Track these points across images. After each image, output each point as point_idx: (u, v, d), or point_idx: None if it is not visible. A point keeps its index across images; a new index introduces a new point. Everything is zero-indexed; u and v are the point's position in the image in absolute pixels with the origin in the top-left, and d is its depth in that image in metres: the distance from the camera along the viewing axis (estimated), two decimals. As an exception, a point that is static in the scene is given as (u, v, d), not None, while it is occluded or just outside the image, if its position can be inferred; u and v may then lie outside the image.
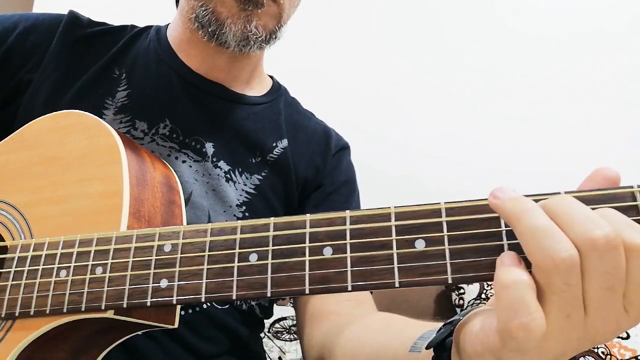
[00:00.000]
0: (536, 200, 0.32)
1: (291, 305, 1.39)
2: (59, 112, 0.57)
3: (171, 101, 0.70)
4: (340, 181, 0.78)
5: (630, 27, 1.73)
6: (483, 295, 1.44)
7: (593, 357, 1.34)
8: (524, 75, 1.74)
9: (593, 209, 0.31)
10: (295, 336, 1.41)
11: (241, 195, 0.69)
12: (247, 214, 0.68)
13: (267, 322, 1.17)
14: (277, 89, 0.81)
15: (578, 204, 0.30)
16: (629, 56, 1.71)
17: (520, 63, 1.74)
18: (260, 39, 0.65)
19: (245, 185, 0.69)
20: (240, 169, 0.70)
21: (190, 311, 0.63)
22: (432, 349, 0.38)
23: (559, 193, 0.32)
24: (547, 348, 0.30)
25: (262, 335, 0.77)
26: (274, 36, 0.68)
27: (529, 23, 1.77)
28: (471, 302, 1.36)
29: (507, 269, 0.30)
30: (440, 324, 0.40)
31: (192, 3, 0.66)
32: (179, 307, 0.50)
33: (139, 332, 0.49)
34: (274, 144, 0.74)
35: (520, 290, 0.29)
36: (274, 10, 0.65)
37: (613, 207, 0.31)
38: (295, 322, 1.04)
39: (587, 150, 1.62)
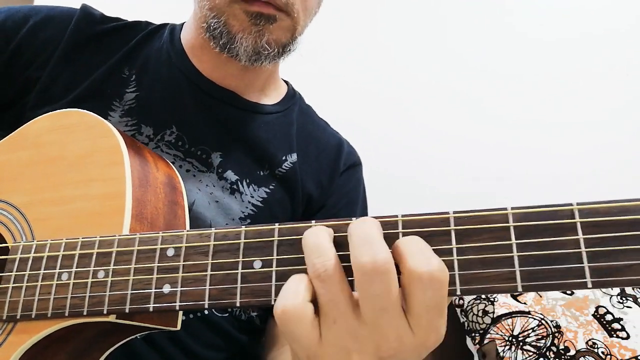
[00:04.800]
0: (483, 215, 0.34)
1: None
2: (60, 110, 0.56)
3: (179, 108, 0.67)
4: (343, 203, 0.76)
5: (631, 28, 1.72)
6: (483, 295, 1.43)
7: (593, 357, 1.33)
8: (532, 77, 1.72)
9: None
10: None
11: (247, 207, 0.67)
12: None
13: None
14: (292, 97, 0.79)
15: (362, 229, 0.33)
16: (630, 57, 1.70)
17: (528, 65, 1.73)
18: (272, 54, 0.63)
19: (252, 197, 0.68)
20: (248, 180, 0.68)
21: (191, 316, 0.62)
22: None
23: (571, 204, 0.32)
24: (322, 353, 0.33)
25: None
26: (287, 49, 0.65)
27: (535, 25, 1.75)
28: (471, 303, 1.36)
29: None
30: None
31: (205, 12, 0.63)
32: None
33: (140, 335, 0.49)
34: (284, 158, 0.71)
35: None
36: (288, 24, 0.63)
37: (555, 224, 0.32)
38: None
39: (598, 151, 1.61)
